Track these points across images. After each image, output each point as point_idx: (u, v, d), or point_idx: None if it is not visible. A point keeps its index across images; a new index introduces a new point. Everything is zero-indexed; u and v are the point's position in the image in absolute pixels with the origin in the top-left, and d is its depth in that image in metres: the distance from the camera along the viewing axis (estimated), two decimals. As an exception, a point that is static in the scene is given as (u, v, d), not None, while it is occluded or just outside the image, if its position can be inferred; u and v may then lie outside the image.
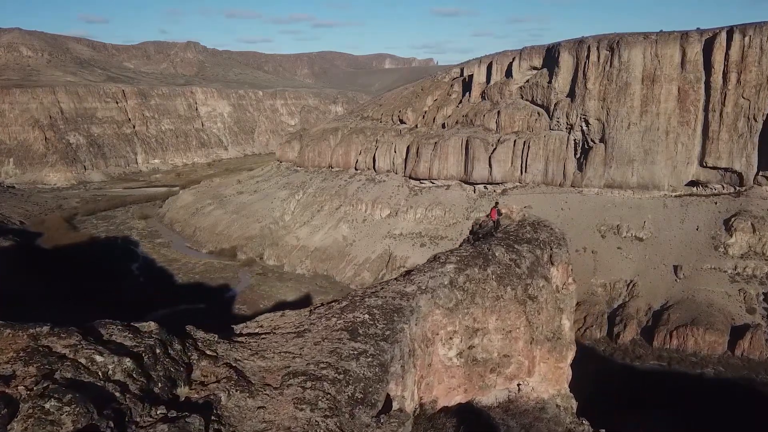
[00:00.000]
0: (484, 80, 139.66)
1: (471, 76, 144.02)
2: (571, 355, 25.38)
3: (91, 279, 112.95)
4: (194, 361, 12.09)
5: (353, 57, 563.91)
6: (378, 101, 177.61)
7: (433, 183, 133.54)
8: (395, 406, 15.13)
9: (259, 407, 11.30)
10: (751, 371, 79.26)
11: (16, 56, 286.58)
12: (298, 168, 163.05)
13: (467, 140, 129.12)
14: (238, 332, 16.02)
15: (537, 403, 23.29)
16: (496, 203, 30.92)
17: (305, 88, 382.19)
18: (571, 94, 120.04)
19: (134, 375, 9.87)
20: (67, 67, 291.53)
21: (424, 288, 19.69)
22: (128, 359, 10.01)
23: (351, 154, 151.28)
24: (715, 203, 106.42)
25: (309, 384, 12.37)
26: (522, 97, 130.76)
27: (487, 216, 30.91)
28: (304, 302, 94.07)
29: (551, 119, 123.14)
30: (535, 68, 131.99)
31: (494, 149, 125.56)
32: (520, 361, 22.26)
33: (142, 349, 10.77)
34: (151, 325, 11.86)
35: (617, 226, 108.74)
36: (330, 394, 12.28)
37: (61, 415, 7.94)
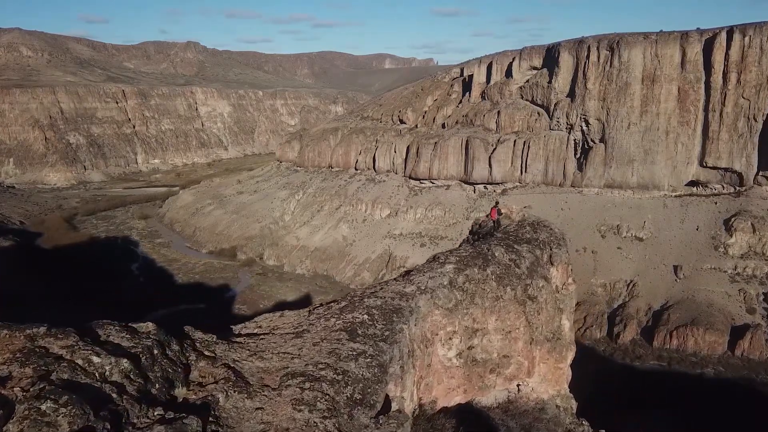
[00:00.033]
0: (484, 80, 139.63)
1: (471, 76, 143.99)
2: (570, 356, 25.34)
3: (91, 279, 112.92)
4: (192, 362, 12.04)
5: (353, 57, 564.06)
6: (378, 101, 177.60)
7: (433, 183, 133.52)
8: (394, 406, 15.09)
9: (257, 408, 11.26)
10: (751, 371, 79.23)
11: (16, 56, 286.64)
12: (298, 168, 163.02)
13: (467, 140, 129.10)
14: (236, 333, 15.97)
15: (537, 404, 23.26)
16: (497, 203, 30.86)
17: (305, 88, 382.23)
18: (571, 94, 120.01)
19: (131, 376, 9.83)
20: (67, 67, 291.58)
21: (423, 288, 19.65)
22: (125, 360, 9.97)
23: (351, 154, 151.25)
24: (715, 203, 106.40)
25: (307, 385, 12.33)
26: (522, 97, 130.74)
27: (487, 216, 30.88)
28: (304, 302, 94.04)
29: (551, 119, 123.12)
30: (535, 68, 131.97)
31: (494, 149, 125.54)
32: (520, 362, 22.22)
33: (140, 349, 10.73)
34: (149, 326, 11.81)
35: (617, 226, 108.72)
36: (328, 395, 12.23)
37: (57, 416, 7.89)
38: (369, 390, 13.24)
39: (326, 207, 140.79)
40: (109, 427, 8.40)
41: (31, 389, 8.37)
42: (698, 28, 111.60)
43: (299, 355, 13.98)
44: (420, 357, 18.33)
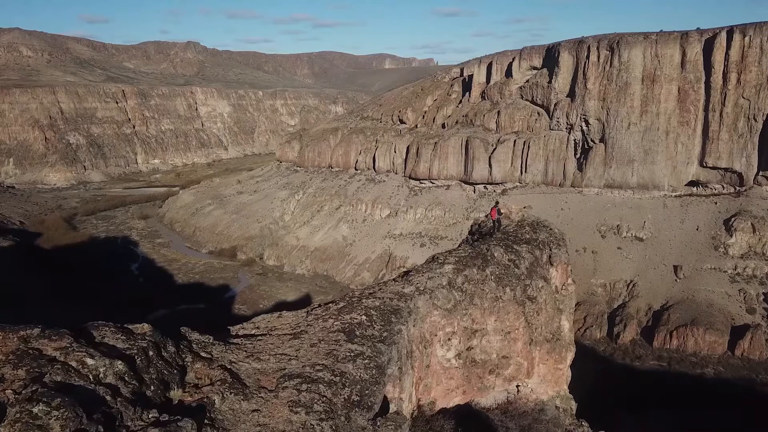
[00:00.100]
0: (484, 80, 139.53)
1: (471, 76, 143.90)
2: (570, 356, 25.27)
3: (91, 279, 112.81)
4: (188, 364, 11.95)
5: (353, 57, 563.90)
6: (378, 101, 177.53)
7: (432, 183, 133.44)
8: (392, 408, 15.00)
9: (253, 410, 11.17)
10: (751, 371, 79.14)
11: (16, 56, 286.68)
12: (298, 168, 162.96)
13: (467, 140, 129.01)
14: (234, 333, 15.89)
15: (536, 405, 23.18)
16: (497, 203, 30.77)
17: (305, 88, 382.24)
18: (571, 94, 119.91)
19: (126, 378, 9.73)
20: (67, 67, 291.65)
21: (422, 289, 19.57)
22: (120, 362, 9.87)
23: (351, 154, 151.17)
24: (715, 203, 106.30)
25: (304, 386, 12.24)
26: (522, 97, 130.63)
27: (487, 216, 30.80)
28: (303, 302, 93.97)
29: (551, 119, 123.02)
30: (535, 68, 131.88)
31: (494, 149, 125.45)
32: (519, 363, 22.15)
33: (135, 351, 10.63)
34: (145, 327, 11.72)
35: (617, 226, 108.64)
36: (326, 396, 12.15)
37: (50, 419, 7.80)
38: (367, 391, 13.16)
39: (326, 207, 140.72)
40: (102, 429, 8.30)
41: (23, 392, 8.27)
42: (698, 28, 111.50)
43: (296, 356, 13.89)
44: (419, 358, 18.25)
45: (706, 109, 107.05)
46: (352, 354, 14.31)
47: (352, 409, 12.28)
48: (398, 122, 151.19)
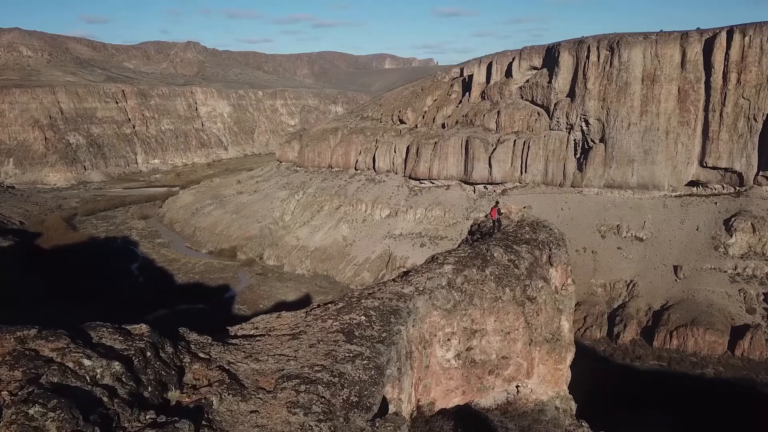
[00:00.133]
0: (484, 80, 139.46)
1: (471, 76, 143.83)
2: (570, 357, 25.22)
3: (91, 279, 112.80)
4: (186, 364, 11.90)
5: (353, 57, 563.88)
6: (378, 101, 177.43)
7: (432, 183, 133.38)
8: (391, 409, 14.96)
9: (251, 411, 11.12)
10: (751, 371, 79.10)
11: (16, 56, 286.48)
12: (298, 168, 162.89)
13: (467, 140, 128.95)
14: (232, 334, 15.84)
15: (536, 405, 23.13)
16: (497, 203, 30.71)
17: (305, 88, 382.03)
18: (571, 94, 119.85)
19: (123, 379, 9.68)
20: (67, 67, 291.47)
21: (421, 289, 19.53)
22: (117, 363, 9.82)
23: (351, 154, 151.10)
24: (715, 203, 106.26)
25: (303, 387, 12.19)
26: (522, 97, 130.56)
27: (486, 216, 30.75)
28: (303, 302, 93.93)
29: (551, 119, 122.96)
30: (535, 68, 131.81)
31: (494, 149, 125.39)
32: (519, 363, 22.10)
33: (133, 352, 10.58)
34: (143, 328, 11.67)
35: (617, 226, 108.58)
36: (324, 397, 12.10)
37: (46, 421, 7.75)
38: (365, 392, 13.11)
39: (326, 207, 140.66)
40: (98, 431, 8.25)
41: (19, 393, 8.22)
42: (698, 28, 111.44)
43: (295, 356, 13.85)
44: (418, 358, 18.21)
45: (706, 109, 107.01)
46: (351, 355, 14.26)
47: (351, 410, 12.23)
48: (398, 122, 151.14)
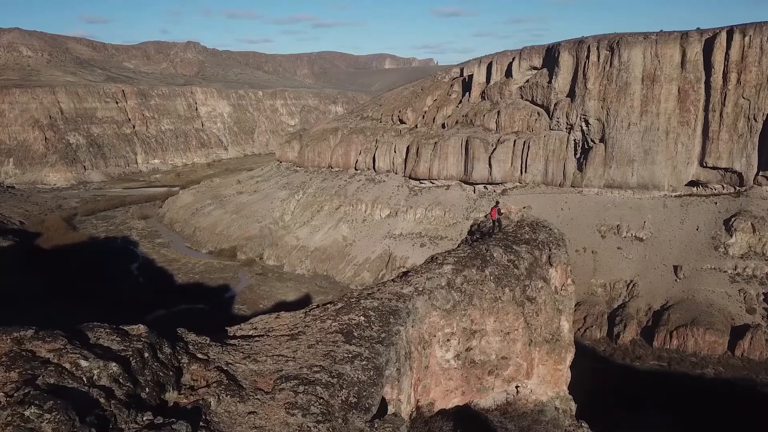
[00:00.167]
0: (484, 80, 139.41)
1: (471, 76, 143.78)
2: (570, 357, 25.17)
3: (91, 279, 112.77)
4: (184, 365, 11.86)
5: (353, 57, 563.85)
6: (378, 101, 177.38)
7: (432, 183, 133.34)
8: (390, 409, 14.91)
9: (249, 412, 11.08)
10: (751, 371, 79.05)
11: (16, 56, 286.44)
12: (298, 168, 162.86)
13: (467, 140, 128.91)
14: (231, 334, 15.80)
15: (535, 406, 23.09)
16: (497, 203, 30.66)
17: (305, 88, 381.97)
18: (571, 94, 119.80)
19: (120, 380, 9.64)
20: (67, 67, 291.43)
21: (421, 289, 19.49)
22: (114, 364, 9.78)
23: (351, 154, 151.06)
24: (715, 203, 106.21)
25: (301, 388, 12.15)
26: (522, 97, 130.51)
27: (486, 216, 30.71)
28: (303, 302, 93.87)
29: (551, 119, 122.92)
30: (535, 68, 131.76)
31: (494, 149, 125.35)
32: (519, 363, 22.05)
33: (130, 352, 10.54)
34: (141, 328, 11.63)
35: (617, 226, 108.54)
36: (323, 398, 12.06)
37: (41, 422, 7.70)
38: (364, 393, 13.06)
39: (326, 207, 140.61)
40: (95, 432, 8.21)
41: (15, 394, 8.18)
42: (698, 28, 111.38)
43: (294, 357, 13.80)
44: (417, 359, 18.16)
45: (706, 109, 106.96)
46: (349, 355, 14.22)
47: (350, 411, 12.19)
48: (398, 122, 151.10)
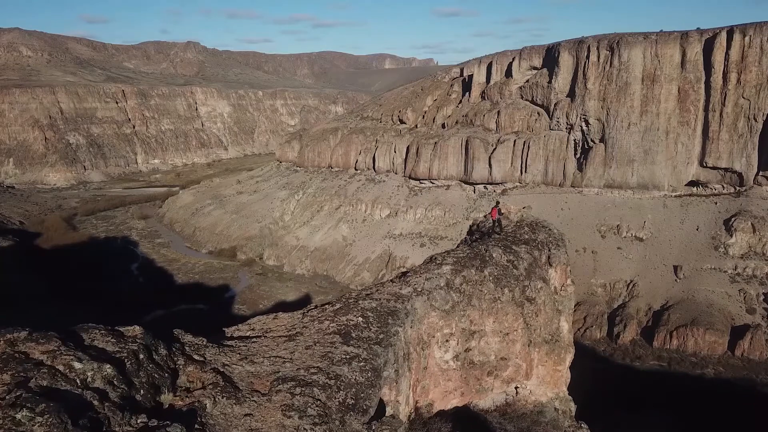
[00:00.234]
0: (484, 80, 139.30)
1: (471, 76, 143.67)
2: (569, 358, 25.07)
3: (91, 279, 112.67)
4: (180, 367, 11.76)
5: (353, 57, 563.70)
6: (378, 101, 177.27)
7: (432, 183, 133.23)
8: (389, 411, 14.82)
9: (245, 414, 10.98)
10: (751, 371, 78.95)
11: (16, 56, 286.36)
12: (298, 168, 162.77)
13: (467, 140, 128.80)
14: (228, 335, 15.70)
15: (535, 407, 22.99)
16: (497, 203, 30.55)
17: (305, 88, 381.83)
18: (571, 94, 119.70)
19: (115, 382, 9.54)
20: (67, 67, 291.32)
21: (419, 290, 19.39)
22: (108, 365, 9.68)
23: (351, 154, 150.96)
24: (715, 203, 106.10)
25: (298, 390, 12.05)
26: (522, 97, 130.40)
27: (486, 216, 30.61)
28: (303, 302, 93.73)
29: (551, 119, 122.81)
30: (535, 68, 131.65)
31: (494, 149, 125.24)
32: (518, 364, 21.96)
33: (125, 354, 10.44)
34: (136, 329, 11.53)
35: (617, 226, 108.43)
36: (320, 400, 11.96)
37: (33, 425, 7.61)
38: (362, 395, 12.97)
39: (326, 207, 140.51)
40: (88, 435, 8.12)
41: (6, 397, 8.08)
42: (698, 28, 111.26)
43: (291, 358, 13.70)
44: (416, 360, 18.06)
45: (706, 109, 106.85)
46: (347, 356, 14.12)
47: (347, 413, 12.09)
48: (398, 122, 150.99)
